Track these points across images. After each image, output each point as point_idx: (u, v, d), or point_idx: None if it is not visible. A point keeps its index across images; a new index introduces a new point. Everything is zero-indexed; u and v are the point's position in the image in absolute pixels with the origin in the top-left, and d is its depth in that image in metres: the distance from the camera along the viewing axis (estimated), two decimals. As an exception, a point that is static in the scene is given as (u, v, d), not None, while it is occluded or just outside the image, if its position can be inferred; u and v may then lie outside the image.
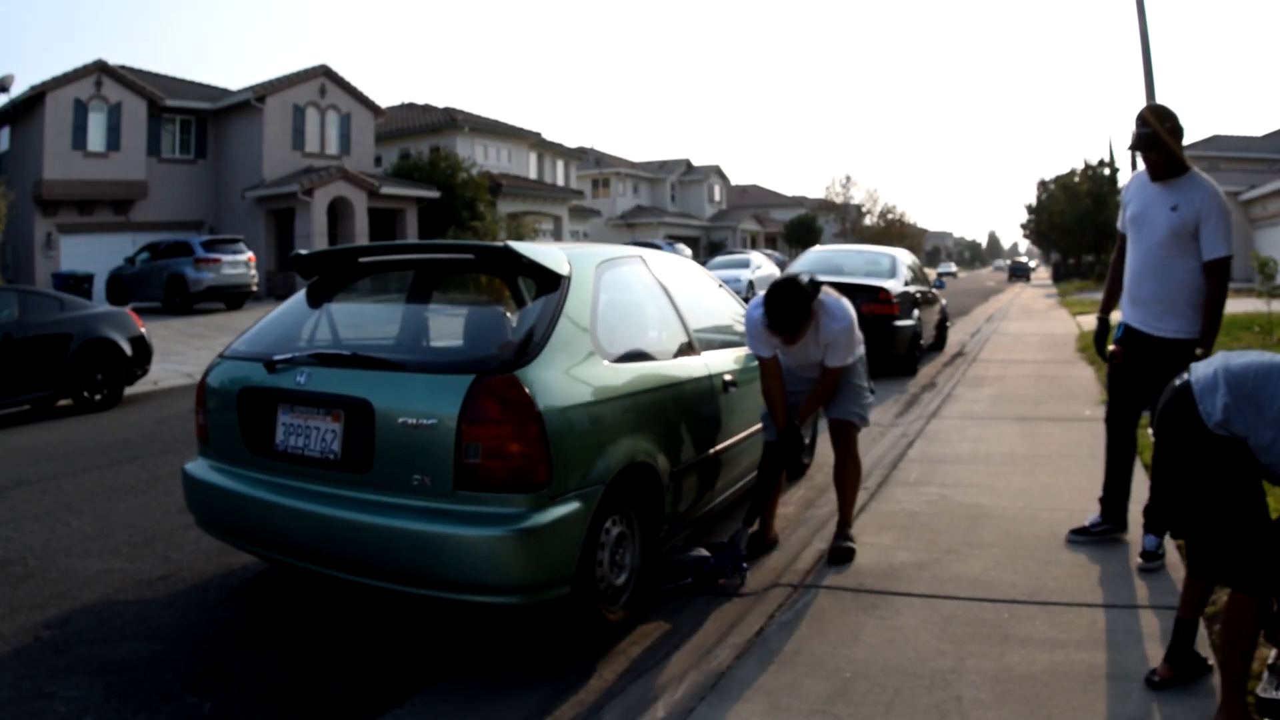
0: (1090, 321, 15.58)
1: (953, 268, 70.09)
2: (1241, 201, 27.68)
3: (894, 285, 10.06)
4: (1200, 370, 2.50)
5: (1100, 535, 3.91)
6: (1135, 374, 3.70)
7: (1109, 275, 4.08)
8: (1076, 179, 43.94)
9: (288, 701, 2.87)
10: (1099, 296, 5.35)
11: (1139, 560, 3.62)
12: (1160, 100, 13.04)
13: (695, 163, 53.13)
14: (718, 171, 54.94)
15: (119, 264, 21.36)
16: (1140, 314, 3.67)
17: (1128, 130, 3.84)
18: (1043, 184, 52.61)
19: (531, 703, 2.83)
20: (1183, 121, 3.58)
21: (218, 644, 3.28)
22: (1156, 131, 3.55)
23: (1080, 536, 3.93)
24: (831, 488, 4.22)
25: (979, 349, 12.56)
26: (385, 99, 36.03)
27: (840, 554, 3.85)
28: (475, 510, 2.81)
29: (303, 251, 3.84)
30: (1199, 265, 3.53)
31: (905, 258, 11.47)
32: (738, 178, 68.94)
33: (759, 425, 4.38)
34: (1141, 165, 3.77)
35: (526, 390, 2.85)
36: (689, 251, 28.95)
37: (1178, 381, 2.55)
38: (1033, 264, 75.57)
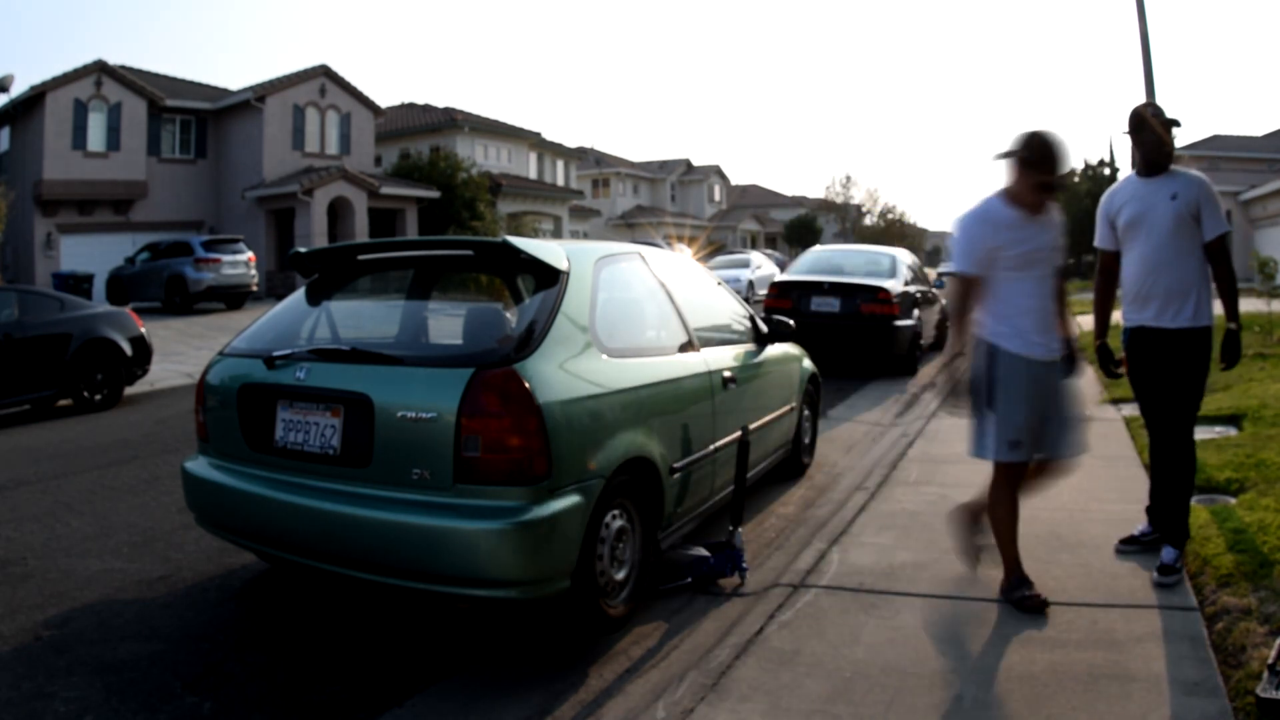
0: (1090, 321, 15.56)
1: (954, 268, 69.67)
2: (1241, 201, 27.63)
3: (894, 285, 10.05)
4: None
5: (1151, 544, 3.71)
6: (1156, 371, 3.59)
7: (1099, 300, 3.92)
8: (1076, 179, 43.88)
9: (288, 701, 2.86)
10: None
11: (1155, 574, 3.45)
12: (1160, 100, 13.09)
13: (695, 163, 53.02)
14: (718, 171, 54.89)
15: (119, 264, 21.35)
16: (1152, 311, 3.56)
17: (1125, 129, 3.78)
18: (1043, 184, 52.50)
19: (531, 703, 2.82)
20: (1180, 119, 3.64)
21: (217, 644, 3.28)
22: (1152, 123, 3.61)
23: (1130, 546, 3.79)
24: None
25: (979, 349, 12.49)
26: (385, 99, 36.00)
27: None
28: (475, 504, 2.81)
29: (302, 249, 3.84)
30: (1201, 252, 3.55)
31: (905, 258, 11.46)
32: (738, 178, 68.69)
33: (760, 422, 4.36)
34: (1124, 173, 3.75)
35: (525, 383, 2.84)
36: (689, 250, 28.95)
37: None
38: (1033, 264, 75.17)
